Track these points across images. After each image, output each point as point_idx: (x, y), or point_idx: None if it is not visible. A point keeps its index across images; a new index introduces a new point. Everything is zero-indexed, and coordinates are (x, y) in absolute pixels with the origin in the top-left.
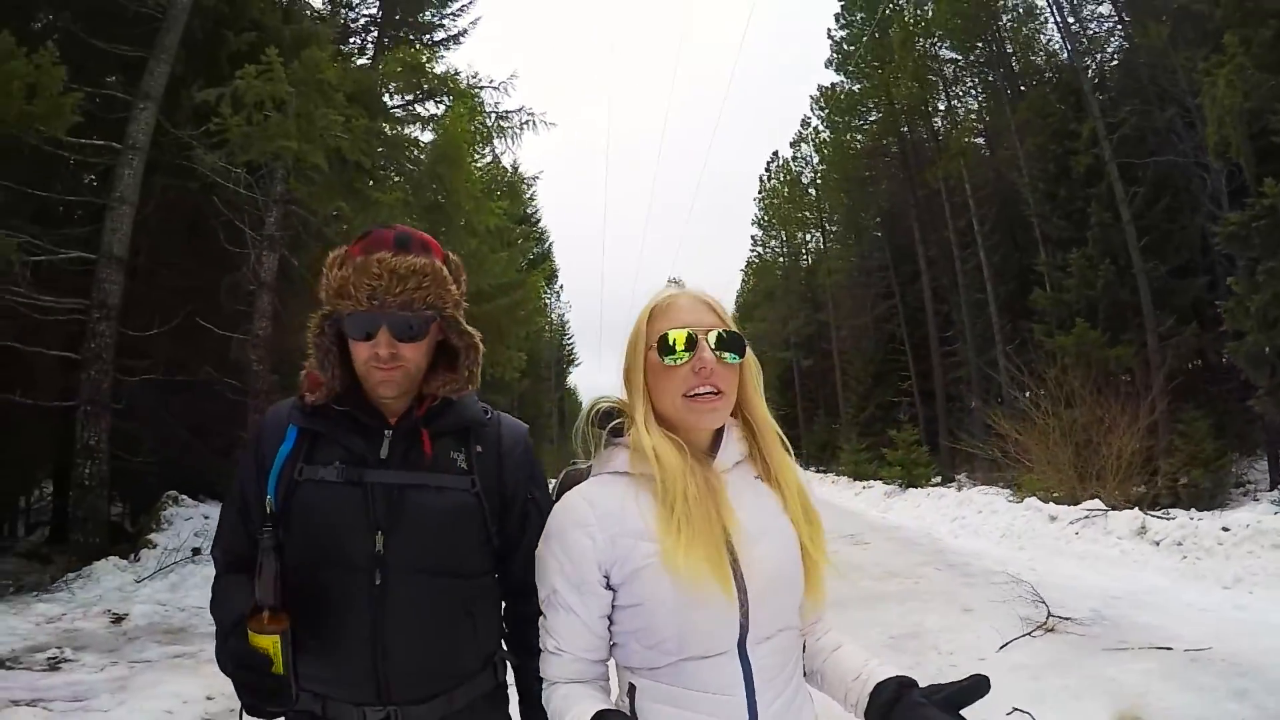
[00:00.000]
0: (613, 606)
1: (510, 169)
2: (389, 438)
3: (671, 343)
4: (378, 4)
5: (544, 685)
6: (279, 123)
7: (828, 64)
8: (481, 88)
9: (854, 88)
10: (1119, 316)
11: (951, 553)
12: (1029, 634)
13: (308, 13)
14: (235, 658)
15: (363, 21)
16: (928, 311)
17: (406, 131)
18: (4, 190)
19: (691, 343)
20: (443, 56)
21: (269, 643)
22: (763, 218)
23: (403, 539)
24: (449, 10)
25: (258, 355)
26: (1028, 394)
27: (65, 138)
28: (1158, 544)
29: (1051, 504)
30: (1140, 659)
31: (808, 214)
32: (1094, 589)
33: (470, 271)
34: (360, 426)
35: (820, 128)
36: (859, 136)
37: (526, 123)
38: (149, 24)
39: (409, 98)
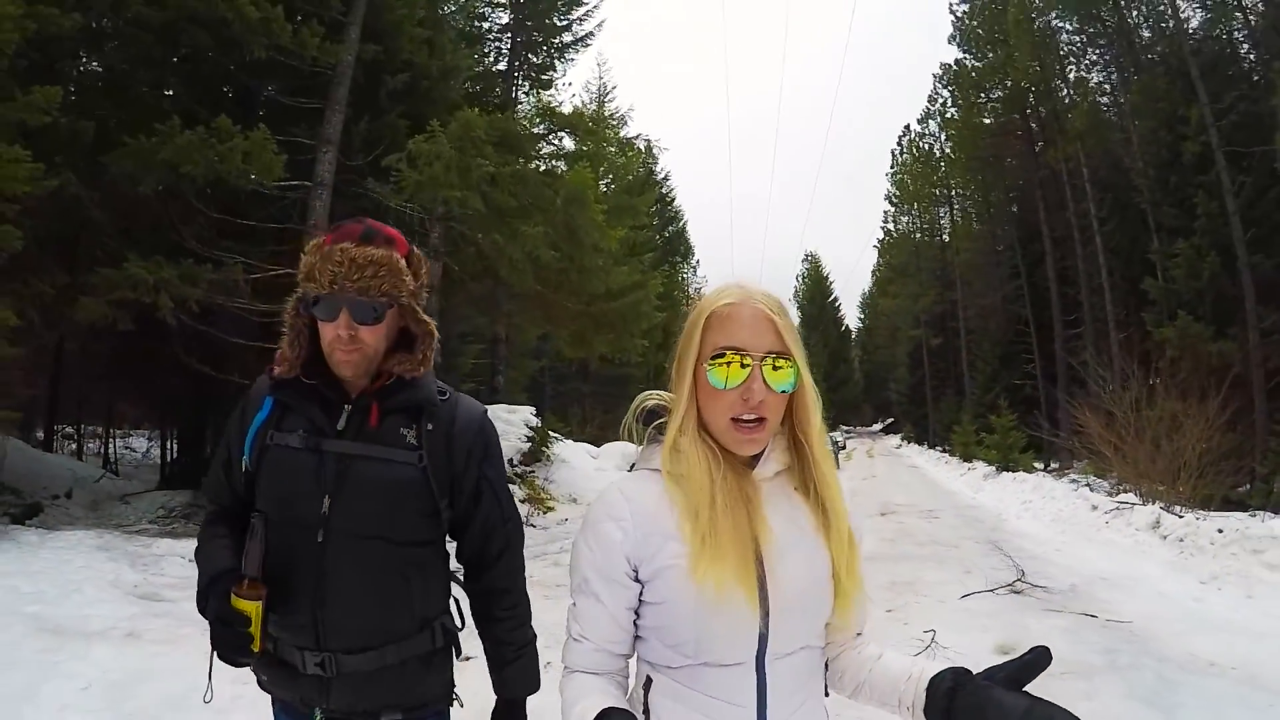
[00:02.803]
0: (640, 601)
1: (642, 165)
2: (347, 411)
3: (725, 366)
4: (509, 14)
5: (563, 671)
6: (443, 174)
7: (950, 39)
8: (604, 122)
9: (977, 65)
10: (1224, 310)
11: (1004, 531)
12: (992, 590)
13: (448, 42)
14: (217, 615)
15: (495, 30)
16: (1052, 294)
17: (545, 166)
18: (228, 224)
19: (744, 366)
20: (573, 62)
21: (250, 607)
22: (894, 193)
23: (346, 503)
24: (575, 15)
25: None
26: (1109, 387)
27: (273, 182)
28: (1165, 538)
29: (1093, 494)
30: (1063, 619)
31: (938, 191)
32: (1090, 569)
33: (597, 282)
34: (324, 400)
35: (947, 104)
36: (985, 115)
37: (647, 145)
38: (323, 78)
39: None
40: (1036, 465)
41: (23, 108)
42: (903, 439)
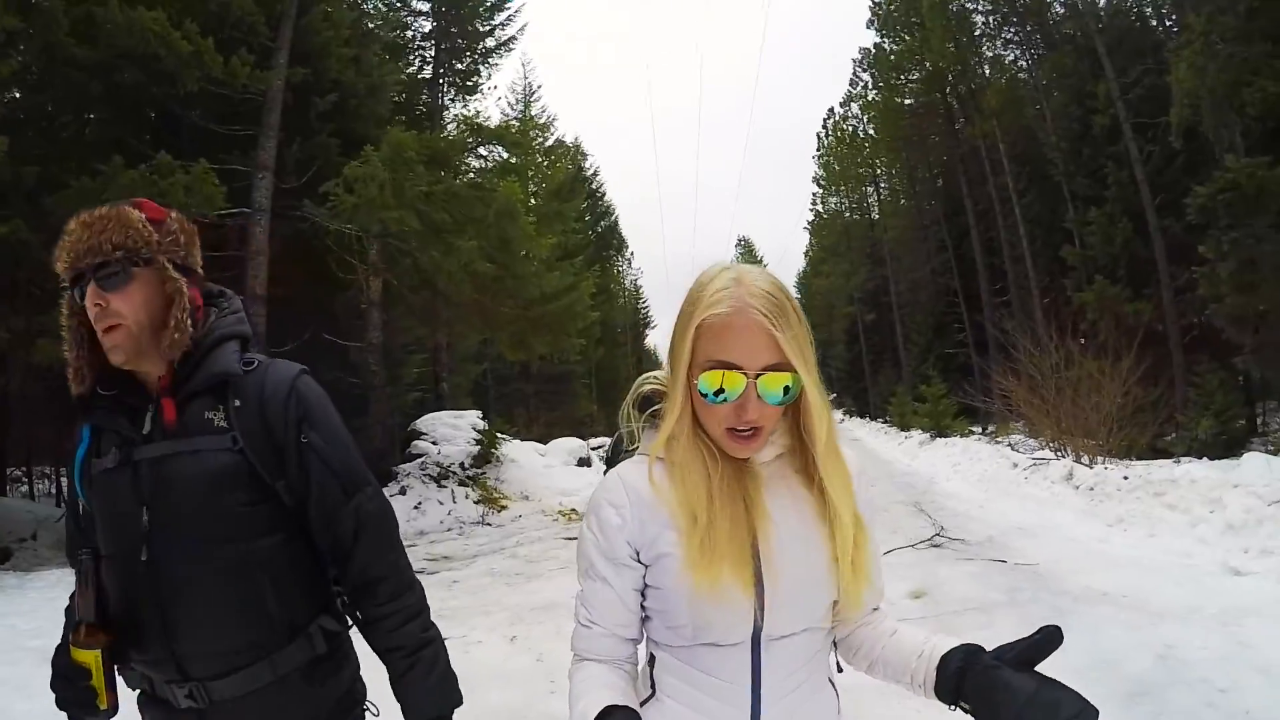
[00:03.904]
0: (644, 583)
1: (570, 163)
2: (150, 412)
3: (713, 379)
4: (431, 21)
5: (572, 658)
6: (379, 195)
7: (869, 24)
8: (530, 124)
9: (895, 48)
10: (1138, 272)
11: (933, 493)
12: (913, 546)
13: (374, 57)
14: (56, 671)
15: (419, 38)
16: (978, 265)
17: (475, 179)
18: None
19: (737, 384)
20: (498, 66)
21: (88, 657)
22: (822, 175)
23: (162, 510)
24: (497, 20)
25: (373, 358)
26: (1029, 352)
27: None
28: (1077, 489)
29: (1015, 453)
30: (973, 565)
31: (864, 170)
32: (1008, 521)
33: (532, 287)
34: (127, 407)
35: (868, 87)
36: (905, 96)
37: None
38: (253, 104)
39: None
40: (973, 430)
41: None
42: (845, 413)
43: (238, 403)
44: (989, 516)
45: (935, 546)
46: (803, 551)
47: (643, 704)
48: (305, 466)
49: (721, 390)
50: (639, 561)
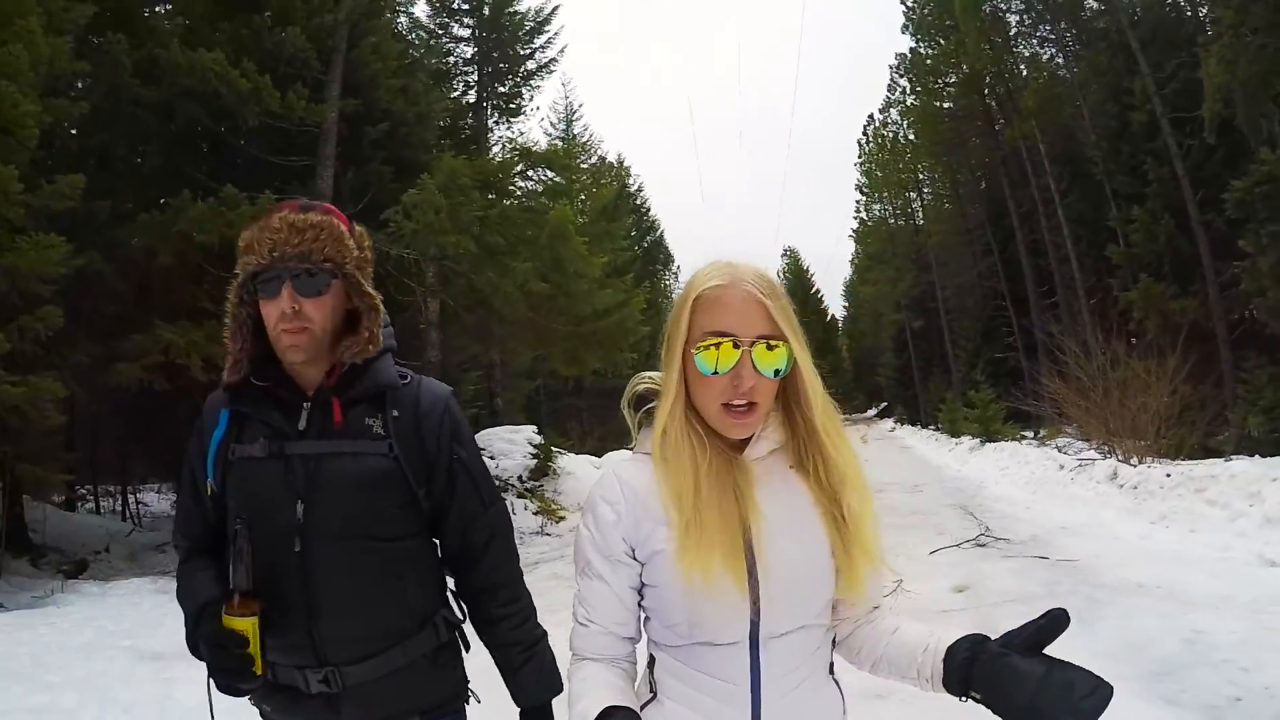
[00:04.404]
0: (640, 581)
1: (615, 180)
2: (307, 409)
3: (713, 352)
4: (473, 47)
5: (571, 658)
6: (436, 221)
7: (904, 29)
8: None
9: (931, 52)
10: (1183, 269)
11: (982, 497)
12: (958, 545)
13: (421, 85)
14: (210, 639)
15: (462, 63)
16: (1024, 267)
17: (526, 203)
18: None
19: (732, 353)
20: (539, 88)
21: (245, 625)
22: (864, 182)
23: (321, 506)
24: (537, 43)
25: (432, 376)
26: (1075, 354)
27: None
28: (1121, 488)
29: (1061, 454)
30: (1015, 562)
31: (906, 176)
32: (1053, 521)
33: (585, 305)
34: (280, 402)
35: (906, 92)
36: (943, 100)
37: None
38: (309, 135)
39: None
40: (1024, 434)
41: (50, 196)
42: (896, 422)
43: (395, 413)
44: (1034, 517)
45: (980, 545)
46: (798, 545)
47: (644, 706)
48: (453, 479)
49: (718, 360)
50: (634, 558)
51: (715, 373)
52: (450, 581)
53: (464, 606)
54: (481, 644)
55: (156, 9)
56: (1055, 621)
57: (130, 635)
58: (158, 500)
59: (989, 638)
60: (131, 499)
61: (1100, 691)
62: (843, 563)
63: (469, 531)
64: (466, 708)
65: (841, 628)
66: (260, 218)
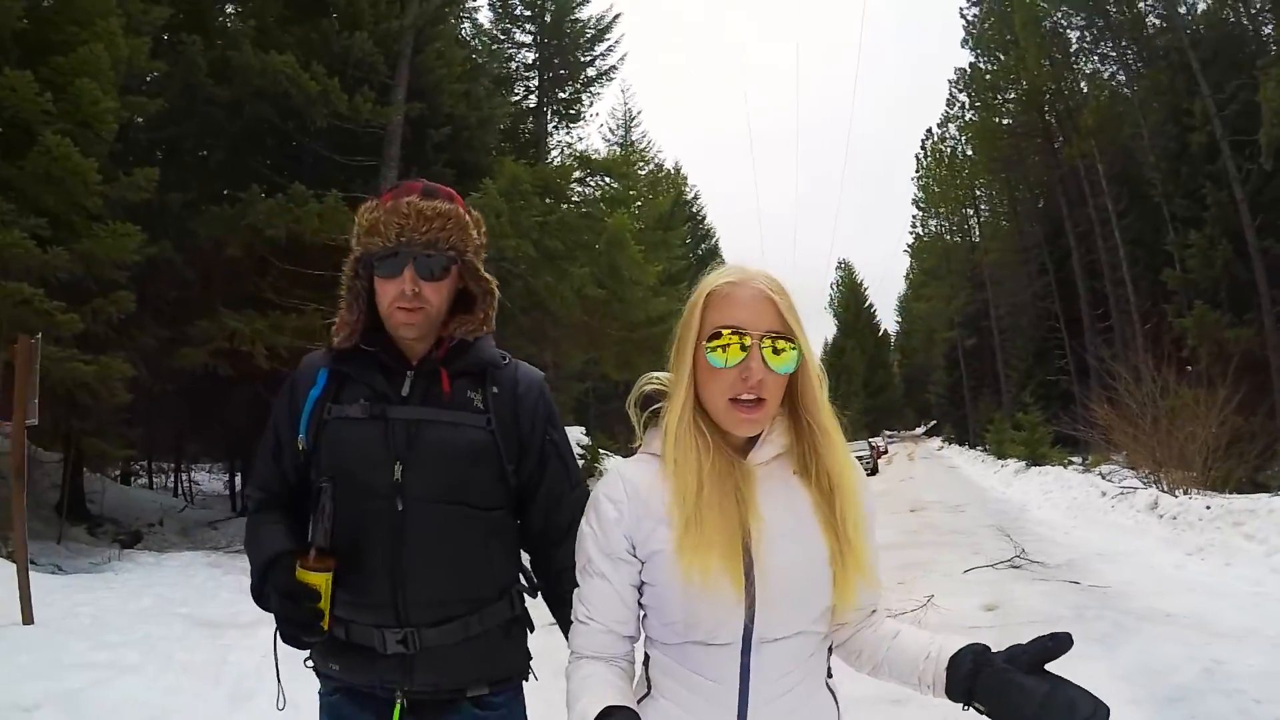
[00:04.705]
0: (640, 579)
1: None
2: (410, 377)
3: (723, 343)
4: (534, 53)
5: (570, 656)
6: (497, 225)
7: (963, 43)
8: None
9: (991, 67)
10: (1239, 296)
11: (1023, 520)
12: (992, 565)
13: (484, 90)
14: (283, 590)
15: (523, 69)
16: (1079, 289)
17: (584, 209)
18: (300, 274)
19: (743, 347)
20: (599, 95)
21: (319, 580)
22: (921, 197)
23: (419, 469)
24: (598, 50)
25: None
26: (1126, 381)
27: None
28: (1160, 518)
29: (1104, 481)
30: (1047, 585)
31: (963, 192)
32: (1090, 547)
33: (638, 311)
34: (384, 367)
35: (965, 107)
36: (1002, 116)
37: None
38: (374, 137)
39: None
40: (1073, 460)
41: (126, 187)
42: (944, 440)
43: (495, 390)
44: (1072, 542)
45: (1014, 567)
46: (796, 551)
47: (639, 701)
48: (544, 460)
49: (727, 353)
50: (635, 556)
51: (725, 366)
52: (525, 559)
53: (532, 582)
54: (553, 625)
55: (227, 9)
56: (1059, 642)
57: (186, 603)
58: (208, 480)
59: (991, 649)
60: (184, 477)
61: (1099, 712)
62: (837, 570)
63: (554, 512)
64: (524, 684)
65: (840, 632)
66: (378, 203)
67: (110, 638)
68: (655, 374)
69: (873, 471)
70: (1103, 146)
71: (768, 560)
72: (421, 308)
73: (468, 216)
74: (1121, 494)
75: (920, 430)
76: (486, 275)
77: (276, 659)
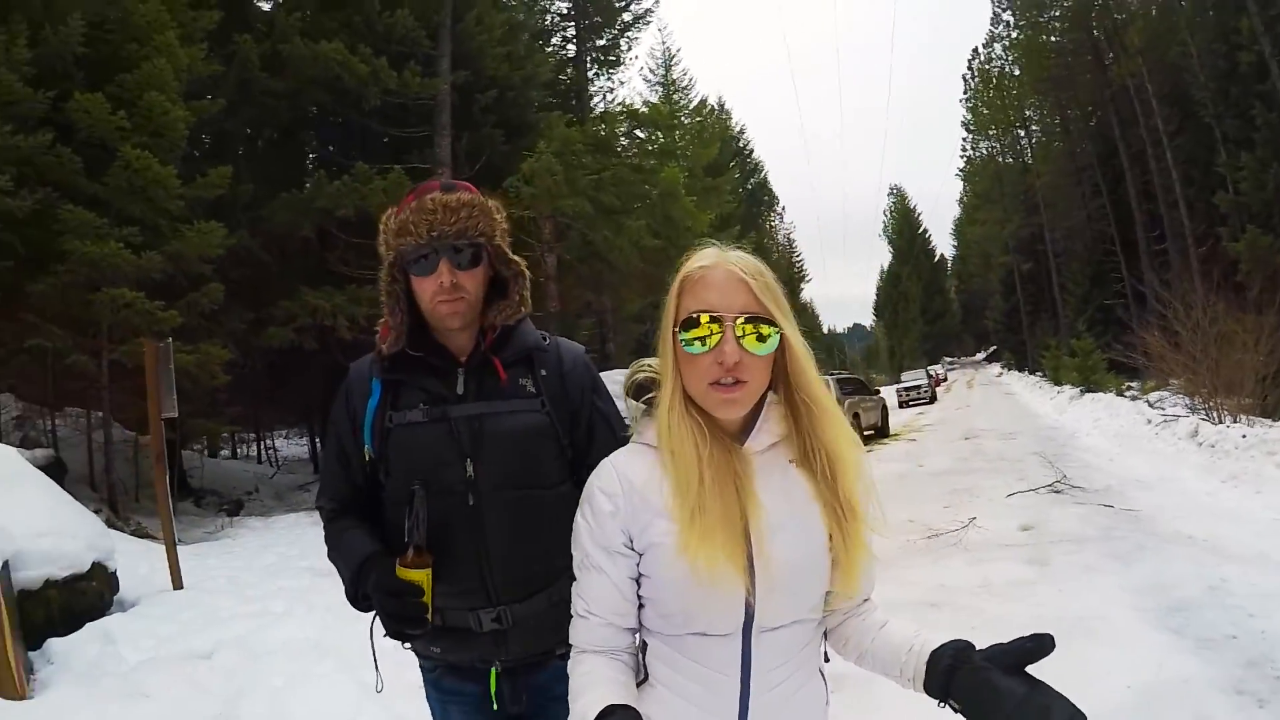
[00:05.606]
0: (638, 571)
1: (716, 124)
2: (462, 375)
3: (693, 328)
4: (569, 3)
5: (572, 650)
6: (555, 186)
7: None
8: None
9: None
10: None
11: (1072, 446)
12: (1034, 490)
13: (524, 48)
14: (386, 589)
15: (559, 19)
16: (1134, 211)
17: (635, 162)
18: (366, 246)
19: (715, 330)
20: (637, 39)
21: (420, 576)
22: (970, 119)
23: (488, 463)
24: None
25: (551, 326)
26: (1174, 308)
27: None
28: (1200, 445)
29: (1150, 409)
30: (1082, 508)
31: (1013, 114)
32: (1131, 473)
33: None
34: (434, 369)
35: (1010, 26)
36: (1049, 34)
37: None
38: (424, 108)
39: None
40: (1130, 385)
41: (204, 187)
42: (1004, 367)
43: (543, 372)
44: (1114, 469)
45: (1056, 492)
46: (796, 539)
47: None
48: (592, 427)
49: (700, 335)
50: (632, 549)
51: (699, 351)
52: None
53: None
54: None
55: (266, 4)
56: (1040, 645)
57: (305, 558)
58: (287, 445)
59: (973, 646)
60: (265, 444)
61: (1075, 718)
62: (840, 554)
63: None
64: None
65: (831, 618)
66: (400, 207)
67: (250, 593)
68: (647, 361)
69: (931, 400)
70: (1151, 65)
71: (768, 549)
72: (462, 297)
73: (489, 203)
74: (1164, 422)
75: (980, 356)
76: (515, 258)
77: (374, 647)
